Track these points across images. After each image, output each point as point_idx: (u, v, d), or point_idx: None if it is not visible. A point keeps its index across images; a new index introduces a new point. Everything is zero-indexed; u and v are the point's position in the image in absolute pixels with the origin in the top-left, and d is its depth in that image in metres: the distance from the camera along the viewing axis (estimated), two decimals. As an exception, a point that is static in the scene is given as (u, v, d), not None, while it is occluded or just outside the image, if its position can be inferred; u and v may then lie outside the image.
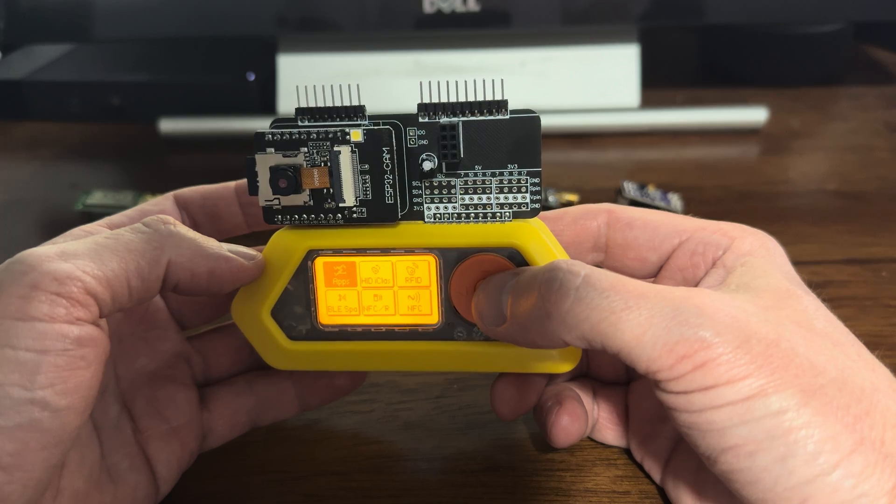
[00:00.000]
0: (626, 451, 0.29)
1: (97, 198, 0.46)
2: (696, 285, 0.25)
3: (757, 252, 0.25)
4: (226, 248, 0.25)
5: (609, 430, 0.29)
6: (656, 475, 0.27)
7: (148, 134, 0.56)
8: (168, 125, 0.55)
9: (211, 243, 0.24)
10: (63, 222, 0.47)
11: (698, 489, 0.25)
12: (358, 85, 0.25)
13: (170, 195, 0.29)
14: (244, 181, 0.28)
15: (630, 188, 0.46)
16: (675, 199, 0.46)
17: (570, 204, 0.46)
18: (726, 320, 0.21)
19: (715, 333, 0.20)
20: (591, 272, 0.22)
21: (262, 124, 0.55)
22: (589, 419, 0.28)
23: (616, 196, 0.47)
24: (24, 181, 0.53)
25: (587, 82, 0.55)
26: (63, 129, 0.59)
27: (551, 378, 0.29)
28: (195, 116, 0.56)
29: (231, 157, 0.54)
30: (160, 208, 0.28)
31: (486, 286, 0.25)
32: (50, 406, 0.20)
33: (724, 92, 0.61)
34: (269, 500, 0.28)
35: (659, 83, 0.59)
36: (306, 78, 0.55)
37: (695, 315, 0.20)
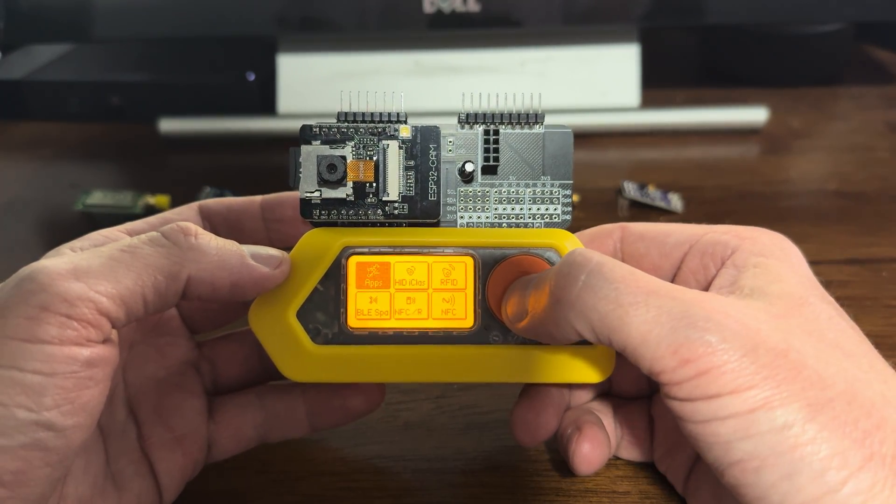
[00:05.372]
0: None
1: (97, 198, 0.46)
2: (707, 287, 0.25)
3: (772, 253, 0.24)
4: (248, 254, 0.24)
5: (635, 447, 0.28)
6: (679, 486, 0.27)
7: (148, 134, 0.56)
8: (168, 125, 0.55)
9: (233, 250, 0.23)
10: (63, 222, 0.47)
11: (718, 499, 0.25)
12: (402, 94, 0.26)
13: (194, 205, 0.28)
14: (270, 196, 0.28)
15: (630, 188, 0.46)
16: (675, 199, 0.46)
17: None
18: (735, 327, 0.20)
19: (721, 339, 0.20)
20: (603, 261, 0.22)
21: (262, 124, 0.56)
22: (612, 441, 0.28)
23: (616, 196, 0.47)
24: (24, 181, 0.52)
25: (587, 82, 0.55)
26: (63, 129, 0.59)
27: (572, 399, 0.29)
28: (195, 116, 0.56)
29: (231, 157, 0.54)
30: (183, 217, 0.27)
31: (515, 284, 0.25)
32: (55, 426, 0.19)
33: (724, 92, 0.61)
34: (269, 500, 0.28)
35: (659, 83, 0.59)
36: (306, 78, 0.55)
37: (703, 318, 0.20)
